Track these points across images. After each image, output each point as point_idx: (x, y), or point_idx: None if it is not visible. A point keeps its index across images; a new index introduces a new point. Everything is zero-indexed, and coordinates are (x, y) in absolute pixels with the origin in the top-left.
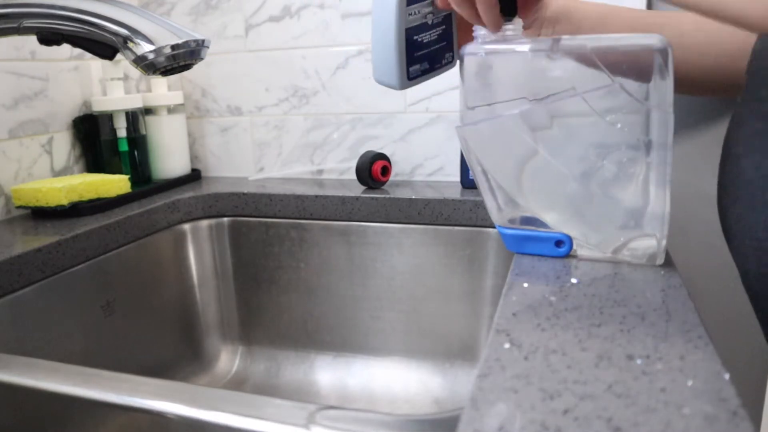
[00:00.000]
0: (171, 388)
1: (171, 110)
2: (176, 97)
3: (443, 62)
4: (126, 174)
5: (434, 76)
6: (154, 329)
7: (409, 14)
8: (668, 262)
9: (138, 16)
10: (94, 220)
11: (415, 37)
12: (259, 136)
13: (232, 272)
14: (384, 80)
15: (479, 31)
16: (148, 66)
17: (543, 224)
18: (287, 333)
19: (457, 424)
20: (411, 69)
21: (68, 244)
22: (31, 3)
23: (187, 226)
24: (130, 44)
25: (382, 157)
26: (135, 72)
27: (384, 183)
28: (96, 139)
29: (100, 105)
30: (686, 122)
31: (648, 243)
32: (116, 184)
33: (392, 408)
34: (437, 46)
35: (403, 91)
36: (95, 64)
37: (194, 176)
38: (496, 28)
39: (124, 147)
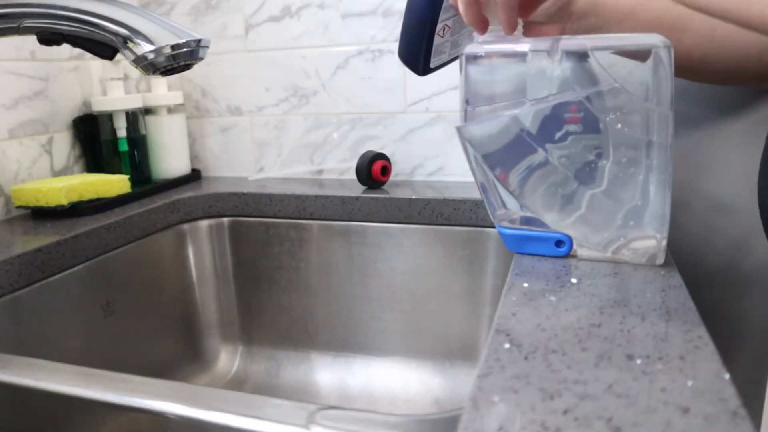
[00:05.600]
0: (171, 388)
1: (171, 110)
2: (176, 97)
3: (452, 56)
4: (126, 174)
5: (447, 64)
6: (154, 329)
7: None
8: (668, 262)
9: (138, 16)
10: (94, 220)
11: (438, 34)
12: (259, 136)
13: (232, 272)
14: (409, 65)
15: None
16: (148, 66)
17: (543, 224)
18: (287, 333)
19: (457, 424)
20: (432, 60)
21: (68, 244)
22: (31, 3)
23: (186, 226)
24: (130, 44)
25: (382, 157)
26: (135, 72)
27: (384, 183)
28: (96, 139)
29: (100, 105)
30: (687, 122)
31: (648, 243)
32: (116, 184)
33: (392, 408)
34: (450, 42)
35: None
36: (95, 64)
37: (194, 176)
38: (511, 28)
39: (124, 147)
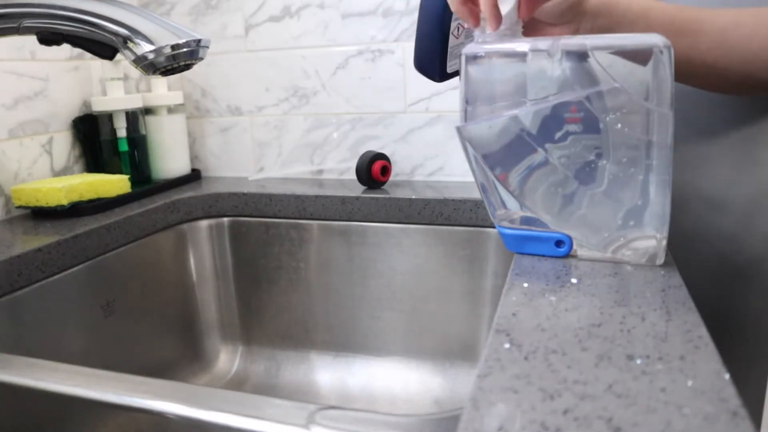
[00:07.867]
0: (171, 388)
1: (171, 110)
2: (176, 97)
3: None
4: (126, 174)
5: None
6: (154, 329)
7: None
8: (668, 262)
9: (138, 16)
10: (94, 220)
11: (452, 38)
12: (259, 136)
13: (232, 272)
14: (425, 71)
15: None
16: (148, 66)
17: (543, 224)
18: (287, 333)
19: (457, 424)
20: (449, 65)
21: (68, 244)
22: (31, 3)
23: (186, 226)
24: (130, 44)
25: (382, 157)
26: (135, 72)
27: (384, 183)
28: (96, 139)
29: (100, 105)
30: (687, 122)
31: (648, 243)
32: (116, 184)
33: (392, 408)
34: (465, 44)
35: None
36: (95, 64)
37: (194, 176)
38: (496, 21)
39: (124, 147)
